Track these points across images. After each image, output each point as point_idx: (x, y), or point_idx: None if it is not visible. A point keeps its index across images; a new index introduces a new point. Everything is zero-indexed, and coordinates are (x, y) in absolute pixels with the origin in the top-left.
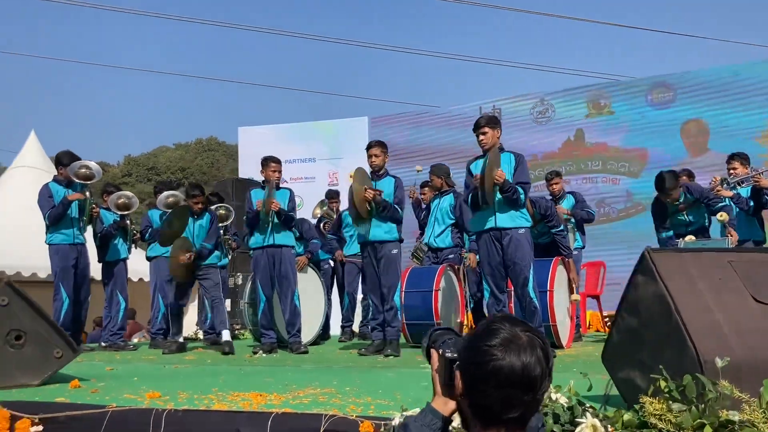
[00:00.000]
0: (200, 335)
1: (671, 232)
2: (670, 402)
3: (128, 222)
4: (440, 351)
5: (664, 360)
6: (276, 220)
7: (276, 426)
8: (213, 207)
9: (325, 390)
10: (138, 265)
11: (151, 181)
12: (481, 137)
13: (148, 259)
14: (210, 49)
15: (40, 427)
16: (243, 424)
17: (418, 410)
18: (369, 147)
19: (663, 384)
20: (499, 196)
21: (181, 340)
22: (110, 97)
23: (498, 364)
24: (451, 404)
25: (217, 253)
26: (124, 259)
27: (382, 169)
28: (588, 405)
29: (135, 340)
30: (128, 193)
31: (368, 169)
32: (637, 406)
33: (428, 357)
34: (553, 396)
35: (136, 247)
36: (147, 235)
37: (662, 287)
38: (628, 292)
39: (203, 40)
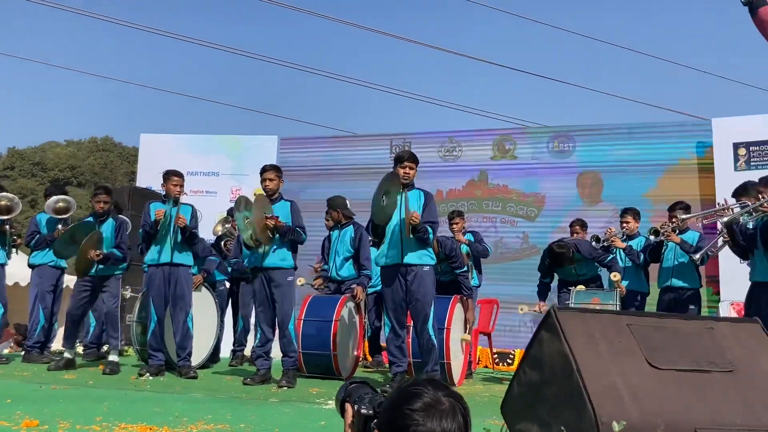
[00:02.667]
0: (79, 349)
1: (548, 279)
2: None
3: (8, 227)
4: (355, 407)
5: (563, 418)
6: (179, 238)
7: None
8: None
9: (218, 426)
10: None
11: (36, 176)
12: (408, 171)
13: (31, 266)
14: (115, 47)
15: None
16: None
17: None
18: (263, 171)
19: None
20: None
21: (70, 356)
22: None
23: (419, 429)
24: None
25: (123, 264)
26: (2, 265)
27: (276, 193)
28: None
29: (5, 351)
30: (10, 194)
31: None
32: None
33: (342, 410)
34: None
35: (17, 252)
36: (33, 241)
37: (566, 346)
38: (531, 346)
39: (109, 38)
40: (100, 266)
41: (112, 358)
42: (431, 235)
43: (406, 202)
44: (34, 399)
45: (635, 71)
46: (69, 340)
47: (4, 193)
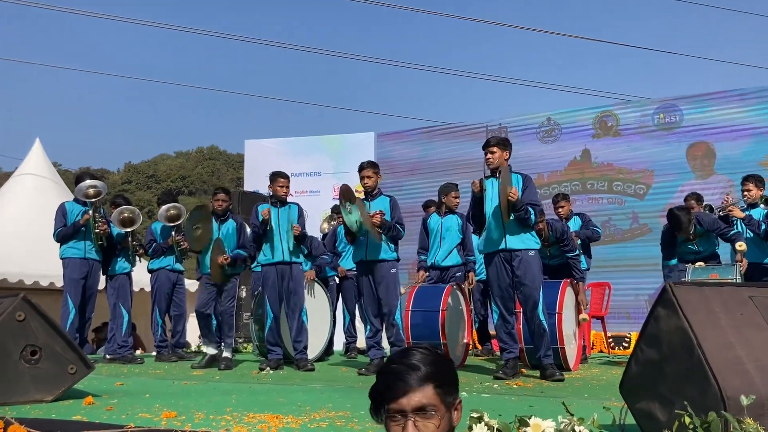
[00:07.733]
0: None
1: (675, 260)
2: None
3: (130, 238)
4: None
5: (685, 395)
6: (290, 239)
7: None
8: None
9: (340, 413)
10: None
11: (151, 188)
12: (489, 156)
13: (150, 271)
14: (215, 59)
15: None
16: None
17: None
18: (361, 168)
19: (687, 420)
20: (512, 215)
21: (213, 352)
22: (112, 104)
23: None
24: None
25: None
26: (128, 273)
27: (375, 189)
28: None
29: (138, 352)
30: (132, 207)
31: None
32: None
33: None
34: (577, 429)
35: (140, 260)
36: (150, 250)
37: (684, 321)
38: (648, 324)
39: (208, 51)
40: (229, 268)
41: (226, 354)
42: (533, 216)
43: (501, 186)
44: (169, 394)
45: (743, 34)
46: (206, 338)
47: (127, 206)
